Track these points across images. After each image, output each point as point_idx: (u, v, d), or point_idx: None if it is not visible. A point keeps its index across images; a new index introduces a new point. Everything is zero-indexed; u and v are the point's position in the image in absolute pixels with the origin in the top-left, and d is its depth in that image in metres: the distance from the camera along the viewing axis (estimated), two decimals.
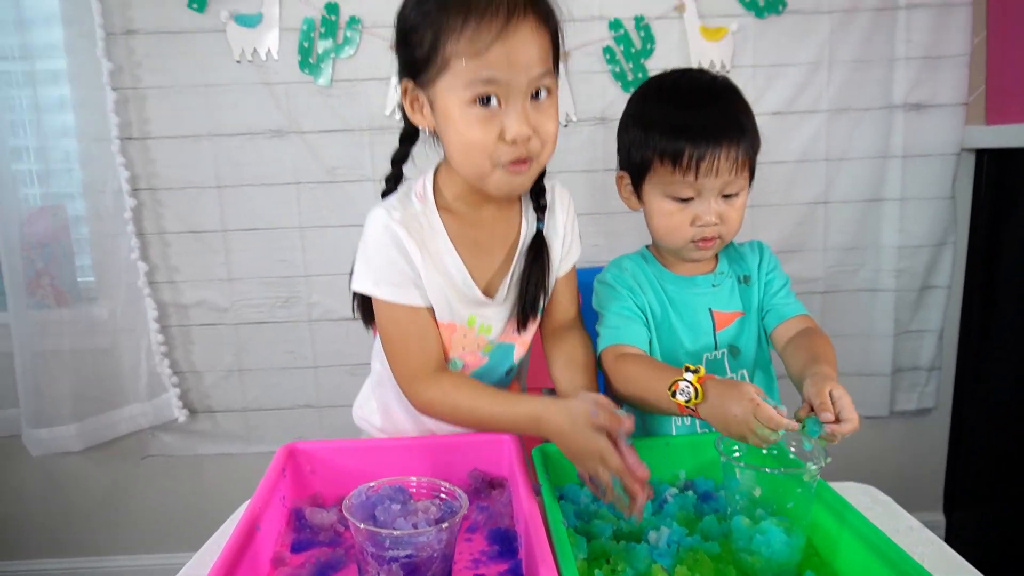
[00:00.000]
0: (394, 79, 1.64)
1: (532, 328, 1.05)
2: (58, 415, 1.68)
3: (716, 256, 1.13)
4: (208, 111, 1.67)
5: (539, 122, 0.85)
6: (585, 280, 1.14)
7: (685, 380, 0.85)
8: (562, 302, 1.07)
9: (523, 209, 1.01)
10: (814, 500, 0.80)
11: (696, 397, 0.84)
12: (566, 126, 1.70)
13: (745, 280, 1.11)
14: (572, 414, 0.83)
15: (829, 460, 0.78)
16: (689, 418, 0.99)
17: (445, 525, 0.68)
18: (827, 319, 1.79)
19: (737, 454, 0.84)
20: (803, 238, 1.78)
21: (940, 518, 1.95)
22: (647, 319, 1.08)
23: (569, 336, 1.06)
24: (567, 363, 1.03)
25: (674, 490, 0.94)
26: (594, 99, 1.70)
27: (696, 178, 0.97)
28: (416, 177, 0.98)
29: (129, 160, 1.66)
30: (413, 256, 0.91)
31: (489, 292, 0.98)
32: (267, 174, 1.70)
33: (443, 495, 0.76)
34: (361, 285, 0.93)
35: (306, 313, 1.77)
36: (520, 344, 1.06)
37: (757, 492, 0.79)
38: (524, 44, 0.81)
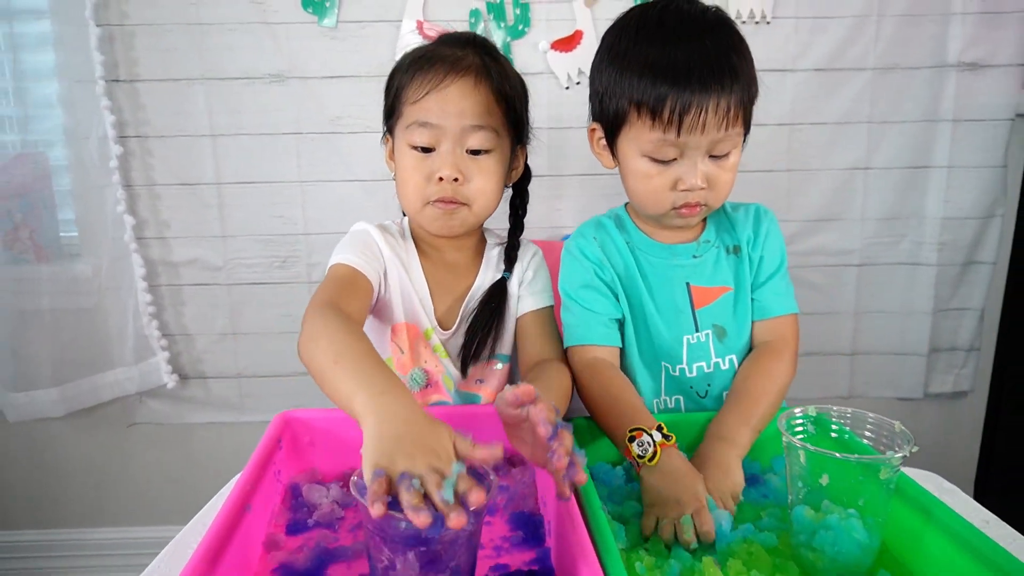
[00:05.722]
0: (406, 21, 1.52)
1: (486, 377, 1.02)
2: (38, 379, 1.56)
3: (704, 220, 0.99)
4: (201, 52, 1.53)
5: (471, 173, 0.93)
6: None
7: (649, 436, 0.78)
8: (534, 340, 1.00)
9: (485, 258, 1.04)
10: (893, 495, 0.69)
11: (651, 460, 0.77)
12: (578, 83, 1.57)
13: (734, 251, 0.97)
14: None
15: (915, 448, 0.68)
16: (672, 402, 0.99)
17: (473, 506, 0.57)
18: (862, 294, 1.68)
19: (800, 433, 0.74)
20: (840, 206, 1.65)
21: None
22: (616, 298, 0.96)
23: (545, 366, 0.94)
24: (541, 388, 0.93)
25: None
26: None
27: (679, 135, 0.82)
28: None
29: (115, 104, 1.53)
30: (384, 250, 0.98)
31: (444, 324, 1.01)
32: (265, 123, 1.58)
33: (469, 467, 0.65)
34: (332, 259, 0.97)
35: (305, 274, 1.66)
36: (487, 398, 1.02)
37: (824, 480, 0.69)
38: (459, 97, 0.90)
